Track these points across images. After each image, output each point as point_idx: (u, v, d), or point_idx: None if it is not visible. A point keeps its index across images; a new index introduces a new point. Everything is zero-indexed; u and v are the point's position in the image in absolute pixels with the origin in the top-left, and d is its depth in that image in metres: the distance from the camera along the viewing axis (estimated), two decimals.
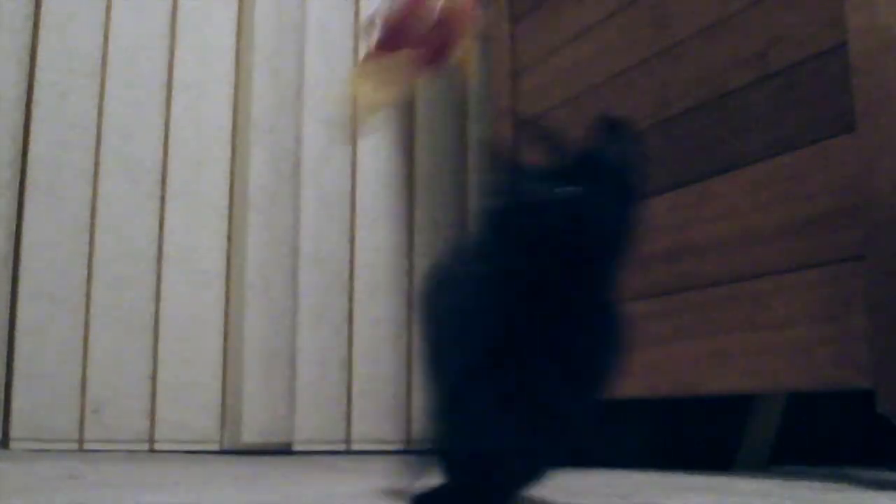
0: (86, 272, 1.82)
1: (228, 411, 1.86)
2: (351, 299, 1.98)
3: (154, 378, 1.83)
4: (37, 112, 1.83)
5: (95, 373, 1.79)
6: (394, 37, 0.84)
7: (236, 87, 1.98)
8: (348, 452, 1.88)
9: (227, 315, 1.89)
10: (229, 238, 1.92)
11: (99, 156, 1.86)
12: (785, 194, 1.13)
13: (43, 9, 1.85)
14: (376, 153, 2.08)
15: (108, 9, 1.91)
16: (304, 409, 1.87)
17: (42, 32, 1.85)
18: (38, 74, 1.83)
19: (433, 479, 0.69)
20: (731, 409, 1.35)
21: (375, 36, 0.86)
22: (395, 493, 0.82)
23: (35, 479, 1.07)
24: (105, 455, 1.69)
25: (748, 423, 1.33)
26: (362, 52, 1.96)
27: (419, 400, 1.99)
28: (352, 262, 2.00)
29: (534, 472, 0.74)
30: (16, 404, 1.73)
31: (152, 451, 1.80)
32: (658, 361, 1.30)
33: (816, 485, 1.04)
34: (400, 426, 1.93)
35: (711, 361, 1.22)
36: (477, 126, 2.21)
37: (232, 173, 1.95)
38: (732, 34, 1.24)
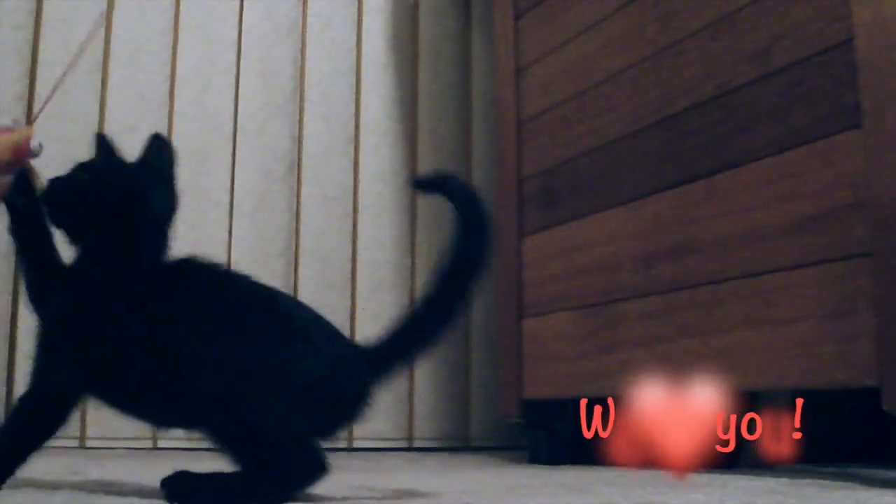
0: None
1: None
2: (353, 296, 1.97)
3: None
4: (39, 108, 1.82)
5: None
6: None
7: (238, 83, 1.97)
8: (350, 450, 1.88)
9: None
10: (230, 233, 1.92)
11: None
12: (790, 191, 1.13)
13: (45, 5, 1.85)
14: (378, 150, 2.08)
15: (111, 4, 1.90)
16: None
17: (44, 28, 1.85)
18: (41, 70, 1.83)
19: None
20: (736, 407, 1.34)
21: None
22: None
23: (37, 476, 1.07)
24: (107, 452, 1.69)
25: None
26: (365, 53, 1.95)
27: (421, 397, 1.98)
28: (354, 258, 2.00)
29: None
30: None
31: (155, 448, 1.80)
32: (662, 359, 1.29)
33: (821, 483, 1.04)
34: (402, 424, 1.93)
35: (716, 359, 1.21)
36: (479, 123, 2.20)
37: (234, 168, 1.95)
38: (737, 30, 1.23)
